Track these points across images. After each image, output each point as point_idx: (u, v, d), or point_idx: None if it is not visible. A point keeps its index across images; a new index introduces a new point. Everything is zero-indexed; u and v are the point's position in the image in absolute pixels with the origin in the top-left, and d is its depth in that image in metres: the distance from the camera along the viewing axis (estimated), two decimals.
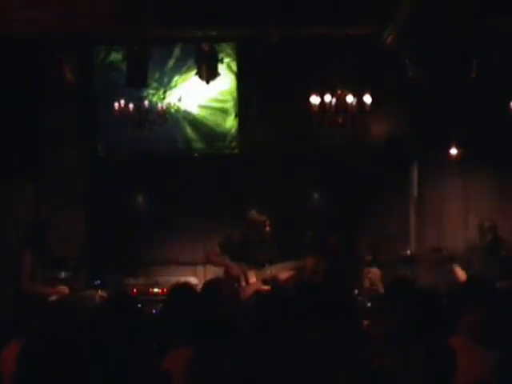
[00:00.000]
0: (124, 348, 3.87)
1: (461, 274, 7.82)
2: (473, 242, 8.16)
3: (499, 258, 7.83)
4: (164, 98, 9.61)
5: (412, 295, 4.64)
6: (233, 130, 9.75)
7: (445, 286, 7.68)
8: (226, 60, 9.33)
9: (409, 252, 8.58)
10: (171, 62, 9.28)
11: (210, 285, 5.11)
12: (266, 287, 7.69)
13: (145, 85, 8.66)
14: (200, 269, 9.49)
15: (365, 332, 4.73)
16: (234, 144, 9.78)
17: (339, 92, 8.17)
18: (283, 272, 7.83)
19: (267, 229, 7.91)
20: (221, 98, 9.65)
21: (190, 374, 3.67)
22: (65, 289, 7.40)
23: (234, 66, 9.54)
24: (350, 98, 8.14)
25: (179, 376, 3.66)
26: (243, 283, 7.74)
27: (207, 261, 8.31)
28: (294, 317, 4.34)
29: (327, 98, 8.15)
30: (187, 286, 4.82)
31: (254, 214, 7.96)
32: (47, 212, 8.87)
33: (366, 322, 5.53)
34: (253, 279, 7.78)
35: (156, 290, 8.39)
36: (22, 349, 3.41)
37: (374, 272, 8.21)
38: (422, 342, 3.64)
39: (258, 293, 6.76)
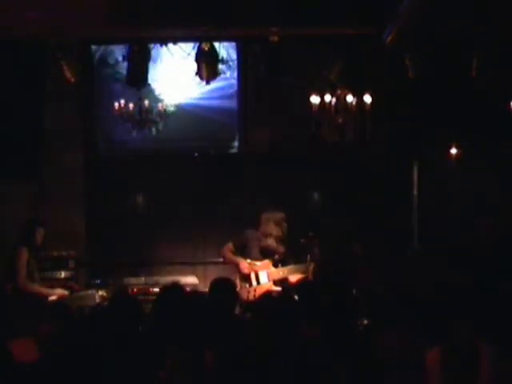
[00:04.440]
0: (124, 348, 3.88)
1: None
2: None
3: None
4: (163, 97, 9.61)
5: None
6: (233, 130, 9.75)
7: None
8: (226, 60, 9.32)
9: (409, 252, 8.57)
10: (171, 62, 9.26)
11: (216, 284, 5.11)
12: (276, 288, 7.63)
13: (145, 85, 8.65)
14: (200, 269, 9.49)
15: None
16: (234, 144, 9.78)
17: (339, 92, 8.17)
18: (294, 274, 7.73)
19: (285, 224, 7.80)
20: (221, 97, 9.65)
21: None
22: (63, 292, 7.32)
23: (234, 66, 9.53)
24: (349, 98, 8.14)
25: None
26: (254, 283, 7.68)
27: (220, 256, 8.01)
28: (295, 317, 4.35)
29: (327, 97, 8.15)
30: (177, 288, 4.77)
31: (269, 211, 7.84)
32: (47, 212, 8.86)
33: (365, 322, 5.54)
34: (264, 280, 7.69)
35: (156, 289, 8.38)
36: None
37: (367, 271, 8.17)
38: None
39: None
